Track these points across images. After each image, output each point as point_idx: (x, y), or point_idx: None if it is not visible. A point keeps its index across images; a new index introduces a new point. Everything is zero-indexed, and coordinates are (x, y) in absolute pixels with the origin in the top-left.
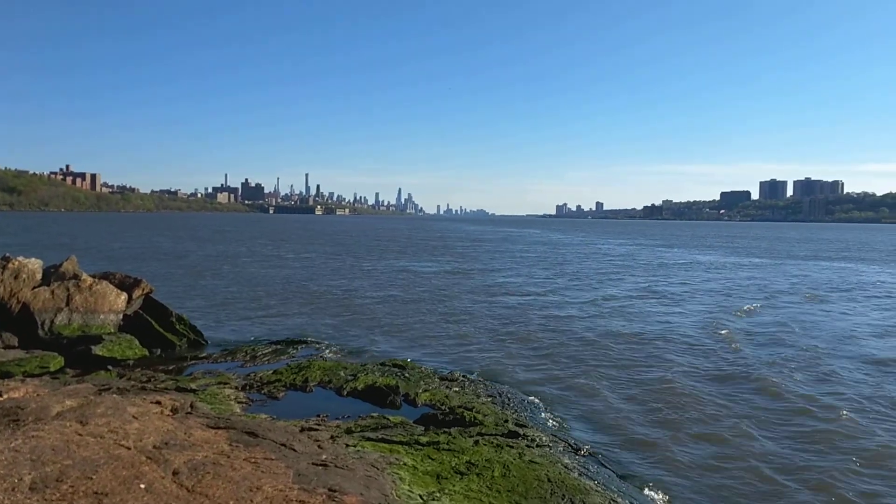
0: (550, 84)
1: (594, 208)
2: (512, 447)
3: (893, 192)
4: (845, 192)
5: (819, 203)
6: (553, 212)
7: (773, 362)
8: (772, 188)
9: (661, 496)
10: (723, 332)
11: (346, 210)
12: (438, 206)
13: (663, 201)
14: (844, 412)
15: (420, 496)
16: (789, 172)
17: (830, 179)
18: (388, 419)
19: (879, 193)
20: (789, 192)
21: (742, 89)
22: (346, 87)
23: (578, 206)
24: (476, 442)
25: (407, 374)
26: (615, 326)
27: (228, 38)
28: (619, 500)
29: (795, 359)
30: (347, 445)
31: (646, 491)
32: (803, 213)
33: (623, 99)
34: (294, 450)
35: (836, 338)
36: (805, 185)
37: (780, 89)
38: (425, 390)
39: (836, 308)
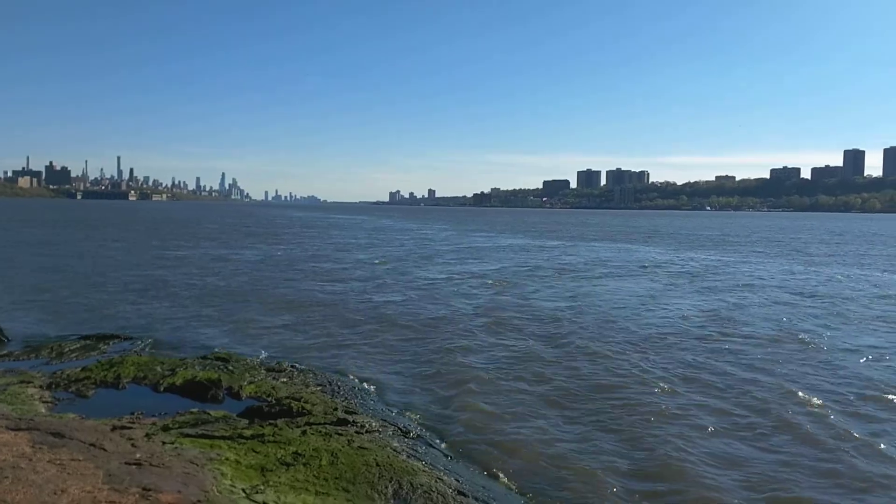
0: (383, 71)
1: (427, 195)
2: (341, 435)
3: (691, 181)
4: (651, 181)
5: (628, 191)
6: (386, 199)
7: (562, 333)
8: (588, 177)
9: (485, 471)
10: (536, 311)
11: (164, 195)
12: (266, 193)
13: (492, 189)
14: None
15: (243, 490)
16: (603, 163)
17: (638, 170)
18: (209, 414)
19: (679, 183)
20: (603, 181)
21: (561, 87)
22: (162, 61)
23: (411, 194)
24: (304, 432)
25: (230, 367)
26: (432, 310)
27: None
28: (445, 477)
29: (588, 329)
30: (164, 443)
31: (472, 467)
32: (615, 201)
33: (455, 92)
34: (105, 449)
35: (611, 300)
36: (616, 175)
37: (595, 86)
38: (250, 382)
39: (606, 280)
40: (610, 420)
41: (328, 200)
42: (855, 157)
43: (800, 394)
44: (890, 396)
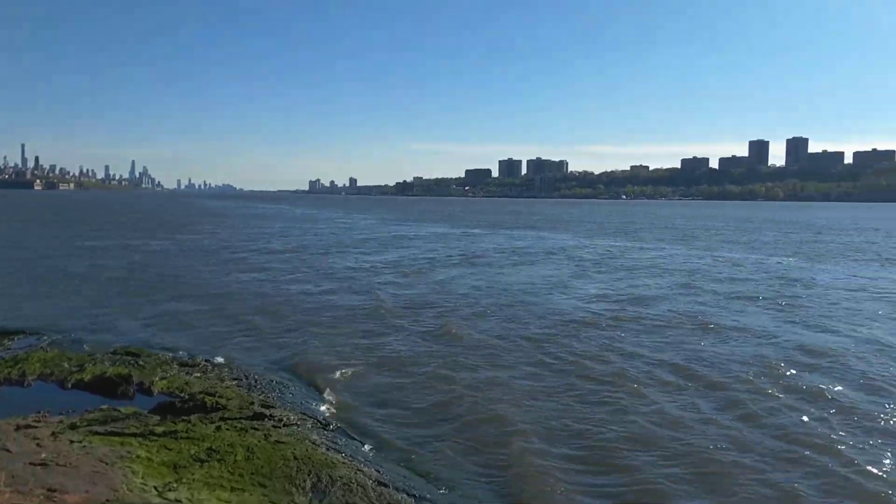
0: (299, 57)
1: (348, 184)
2: (257, 429)
3: (608, 171)
4: (570, 170)
5: (548, 181)
6: (306, 187)
7: (464, 317)
8: (509, 167)
9: (404, 460)
10: (446, 297)
11: (71, 184)
12: (179, 181)
13: (415, 178)
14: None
15: (155, 488)
16: (525, 151)
17: (558, 159)
18: (119, 411)
19: (597, 172)
20: (524, 170)
21: (482, 76)
22: (69, 48)
23: (332, 182)
24: (218, 427)
25: (141, 362)
26: (347, 298)
27: None
28: (366, 468)
29: (486, 309)
30: (72, 442)
31: (391, 457)
32: (535, 190)
33: (375, 78)
34: (7, 450)
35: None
36: (537, 165)
37: (514, 75)
38: (162, 378)
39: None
40: (485, 406)
41: (244, 189)
42: (759, 148)
43: (664, 372)
44: (743, 374)
